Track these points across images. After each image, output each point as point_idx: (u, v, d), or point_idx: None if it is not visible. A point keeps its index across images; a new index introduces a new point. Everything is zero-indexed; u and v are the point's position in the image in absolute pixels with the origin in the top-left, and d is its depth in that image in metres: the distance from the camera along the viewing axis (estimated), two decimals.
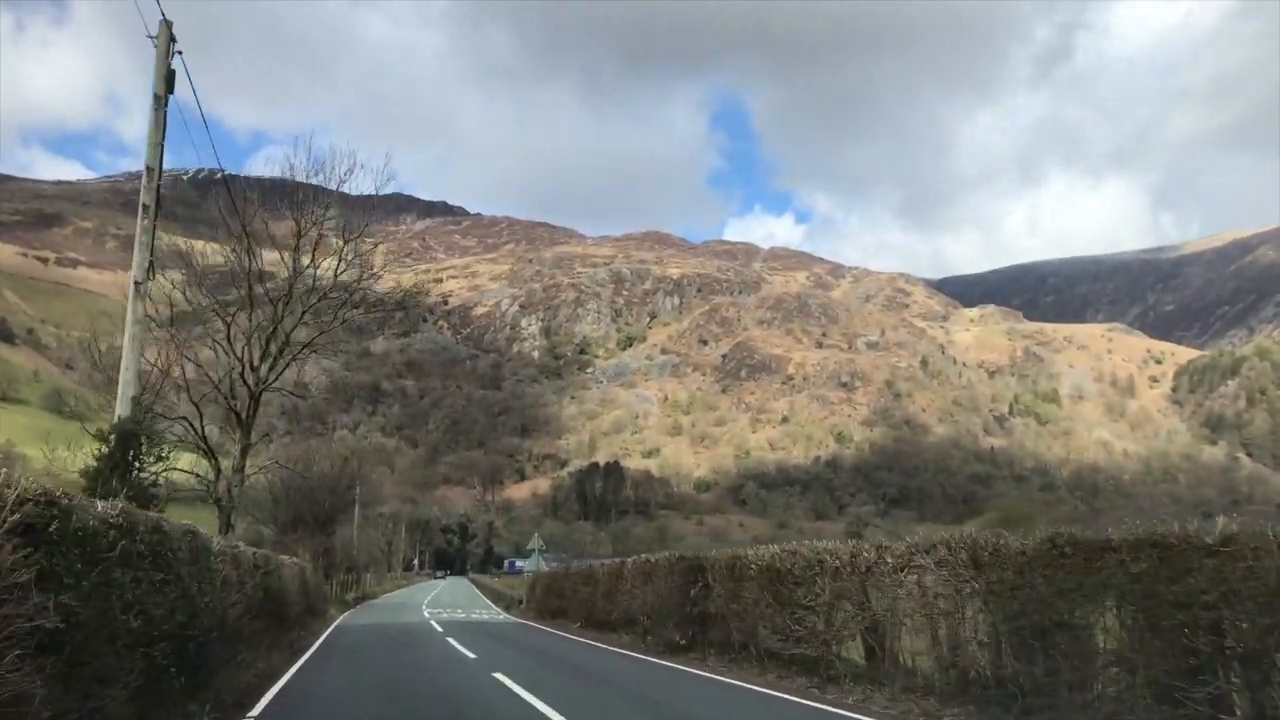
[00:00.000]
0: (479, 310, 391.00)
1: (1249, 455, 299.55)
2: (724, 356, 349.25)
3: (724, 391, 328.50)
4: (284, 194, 31.51)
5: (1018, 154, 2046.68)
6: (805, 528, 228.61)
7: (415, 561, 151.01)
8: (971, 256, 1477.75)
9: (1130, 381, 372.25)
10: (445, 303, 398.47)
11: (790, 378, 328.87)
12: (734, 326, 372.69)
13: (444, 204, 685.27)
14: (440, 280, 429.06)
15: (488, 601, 61.47)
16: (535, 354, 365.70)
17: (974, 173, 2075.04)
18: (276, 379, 29.21)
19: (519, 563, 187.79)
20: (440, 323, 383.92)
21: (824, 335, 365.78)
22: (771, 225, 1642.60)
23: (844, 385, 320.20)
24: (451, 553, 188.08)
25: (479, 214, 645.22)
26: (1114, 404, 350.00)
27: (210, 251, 30.40)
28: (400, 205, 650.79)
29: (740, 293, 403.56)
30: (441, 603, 57.79)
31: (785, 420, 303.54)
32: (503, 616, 42.29)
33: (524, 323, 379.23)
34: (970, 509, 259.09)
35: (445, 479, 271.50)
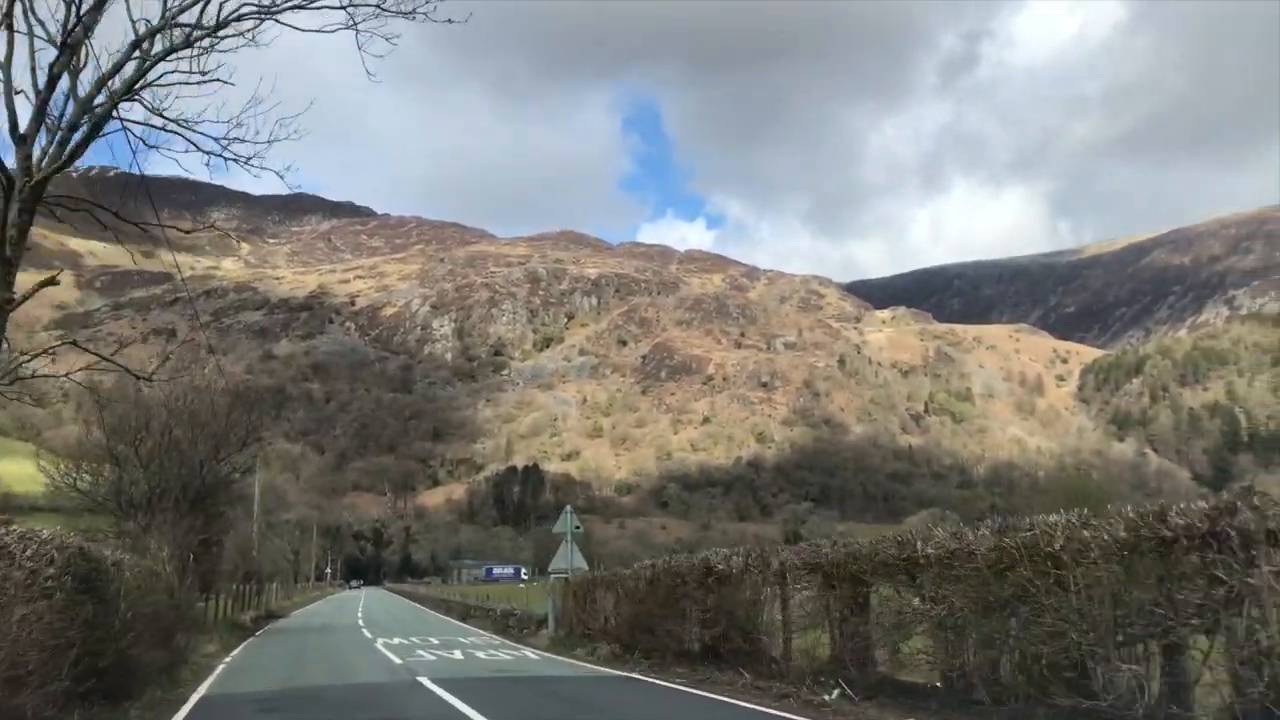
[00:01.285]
0: (388, 311, 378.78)
1: (1155, 451, 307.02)
2: (644, 357, 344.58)
3: (644, 393, 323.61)
4: None
5: (923, 161, 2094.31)
6: (729, 529, 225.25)
7: (327, 570, 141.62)
8: (879, 261, 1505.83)
9: (1039, 380, 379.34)
10: (352, 303, 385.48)
11: (710, 378, 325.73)
12: (653, 327, 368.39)
13: (350, 204, 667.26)
14: (347, 280, 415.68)
15: (453, 621, 44.95)
16: (448, 356, 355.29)
17: (881, 179, 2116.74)
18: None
19: (497, 569, 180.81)
20: (347, 324, 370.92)
21: (743, 335, 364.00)
22: (684, 230, 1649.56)
23: (764, 385, 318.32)
24: (365, 561, 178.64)
25: (386, 214, 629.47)
26: (1023, 402, 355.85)
27: None
28: (305, 206, 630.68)
29: (659, 293, 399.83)
30: (381, 623, 41.92)
31: (706, 421, 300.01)
32: (531, 653, 25.71)
33: (436, 323, 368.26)
34: (890, 507, 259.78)
35: (354, 486, 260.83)
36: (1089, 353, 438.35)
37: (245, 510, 49.83)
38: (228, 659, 23.72)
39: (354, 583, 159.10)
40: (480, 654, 24.86)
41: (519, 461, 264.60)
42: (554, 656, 24.10)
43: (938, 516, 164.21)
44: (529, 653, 25.74)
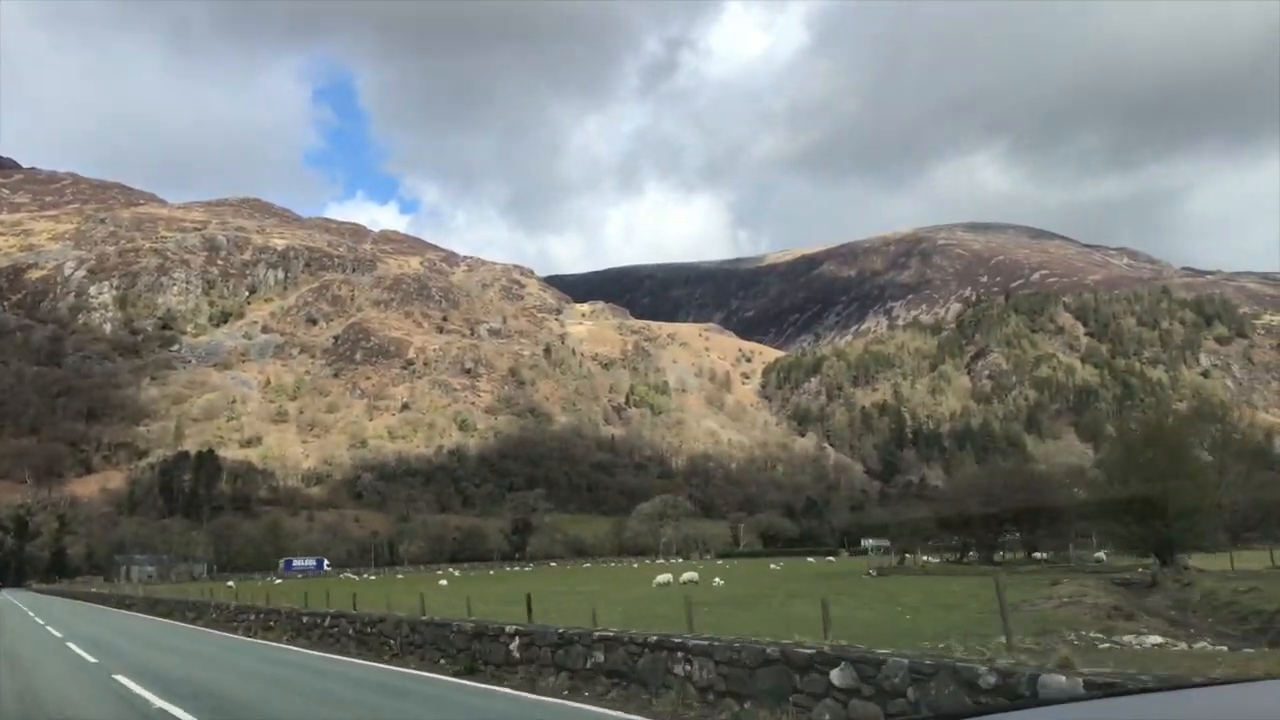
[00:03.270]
0: (34, 274, 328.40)
1: (832, 445, 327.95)
2: (336, 338, 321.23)
3: (336, 376, 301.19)
4: None
5: (621, 162, 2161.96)
6: (429, 521, 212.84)
7: None
8: (573, 257, 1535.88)
9: (727, 377, 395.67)
10: None
11: (411, 363, 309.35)
12: (347, 306, 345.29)
13: None
14: None
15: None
16: (107, 327, 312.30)
17: (580, 176, 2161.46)
18: None
19: (296, 561, 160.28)
20: None
21: (445, 320, 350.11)
22: (375, 213, 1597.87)
23: (468, 372, 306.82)
24: (3, 556, 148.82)
25: (35, 168, 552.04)
26: (713, 397, 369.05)
27: None
28: None
29: (354, 270, 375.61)
30: (108, 644, 27.29)
31: (406, 407, 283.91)
32: None
33: (93, 290, 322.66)
34: (594, 497, 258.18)
35: None
36: (770, 353, 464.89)
37: None
38: None
39: None
40: None
41: (190, 446, 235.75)
42: None
43: (669, 504, 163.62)
44: None
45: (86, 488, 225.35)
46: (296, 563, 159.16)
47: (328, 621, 25.69)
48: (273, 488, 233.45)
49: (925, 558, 72.62)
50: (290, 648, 24.96)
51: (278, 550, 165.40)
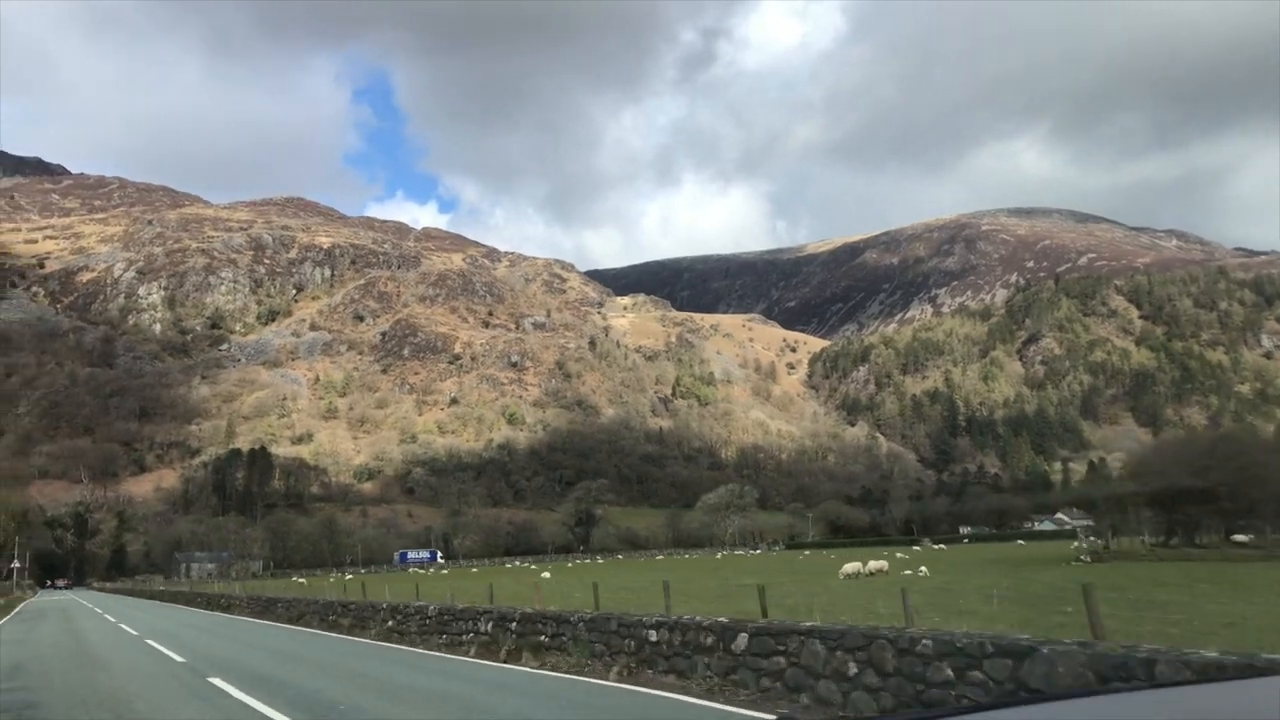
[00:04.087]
0: (85, 276, 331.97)
1: (883, 434, 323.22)
2: (383, 334, 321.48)
3: (385, 371, 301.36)
4: None
5: (657, 155, 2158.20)
6: (482, 515, 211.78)
7: (13, 565, 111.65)
8: (610, 252, 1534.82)
9: (772, 367, 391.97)
10: (41, 266, 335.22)
11: (458, 357, 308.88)
12: (393, 302, 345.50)
13: (38, 160, 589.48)
14: (34, 241, 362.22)
15: None
16: (156, 327, 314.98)
17: (616, 171, 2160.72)
18: None
19: (411, 553, 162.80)
20: (34, 289, 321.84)
21: (490, 314, 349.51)
22: (415, 212, 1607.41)
23: (514, 365, 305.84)
24: (63, 555, 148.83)
25: (83, 174, 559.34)
26: (759, 387, 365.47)
27: None
28: None
29: (399, 267, 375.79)
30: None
31: (454, 402, 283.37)
32: None
33: (142, 291, 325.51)
34: (644, 489, 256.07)
35: (43, 473, 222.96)
36: (814, 343, 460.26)
37: None
38: None
39: (59, 583, 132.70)
40: None
41: (242, 445, 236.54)
42: None
43: (734, 493, 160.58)
44: None
45: (140, 486, 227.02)
46: (411, 555, 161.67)
47: (514, 624, 19.08)
48: (325, 484, 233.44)
49: (1143, 538, 63.44)
50: (509, 666, 17.39)
51: (334, 547, 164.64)
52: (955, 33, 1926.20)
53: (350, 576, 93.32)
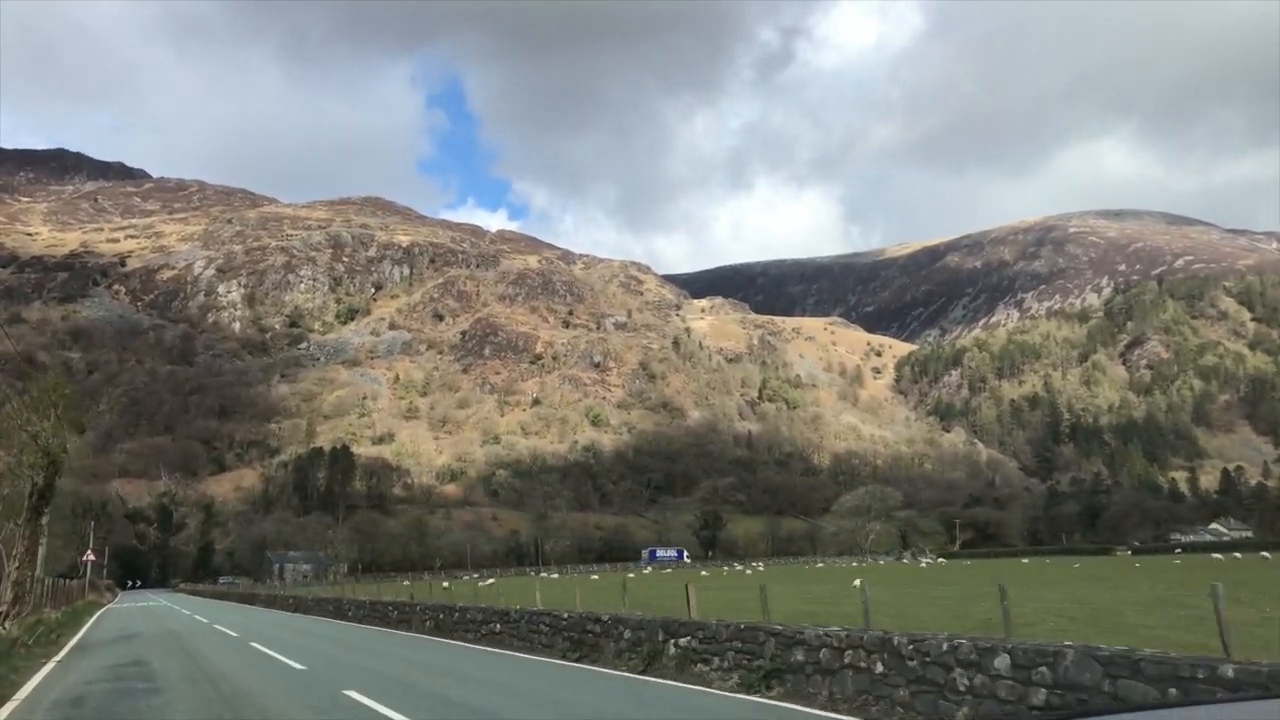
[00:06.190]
0: (165, 274, 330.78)
1: (980, 441, 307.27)
2: (464, 333, 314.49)
3: (465, 371, 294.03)
4: None
5: (729, 158, 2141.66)
6: (569, 519, 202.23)
7: (87, 557, 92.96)
8: (681, 257, 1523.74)
9: (858, 371, 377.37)
10: (122, 264, 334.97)
11: (539, 357, 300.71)
12: (473, 301, 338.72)
13: (121, 165, 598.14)
14: (116, 240, 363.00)
15: None
16: (236, 325, 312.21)
17: (688, 174, 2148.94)
18: None
19: (660, 551, 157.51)
20: (116, 287, 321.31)
21: (571, 314, 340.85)
22: (486, 219, 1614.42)
23: (596, 365, 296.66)
24: (145, 552, 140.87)
25: (164, 178, 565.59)
26: (845, 391, 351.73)
27: None
28: (67, 164, 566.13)
29: (478, 266, 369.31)
30: None
31: (537, 403, 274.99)
32: None
33: (221, 289, 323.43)
34: (736, 495, 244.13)
35: (123, 470, 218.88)
36: (900, 347, 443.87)
37: None
38: None
39: (134, 585, 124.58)
40: None
41: (322, 444, 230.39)
42: None
43: (875, 495, 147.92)
44: None
45: (220, 486, 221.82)
46: (660, 553, 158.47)
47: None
48: (407, 485, 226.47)
49: None
50: None
51: (423, 549, 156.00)
52: (1038, 28, 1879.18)
53: (491, 581, 73.54)
